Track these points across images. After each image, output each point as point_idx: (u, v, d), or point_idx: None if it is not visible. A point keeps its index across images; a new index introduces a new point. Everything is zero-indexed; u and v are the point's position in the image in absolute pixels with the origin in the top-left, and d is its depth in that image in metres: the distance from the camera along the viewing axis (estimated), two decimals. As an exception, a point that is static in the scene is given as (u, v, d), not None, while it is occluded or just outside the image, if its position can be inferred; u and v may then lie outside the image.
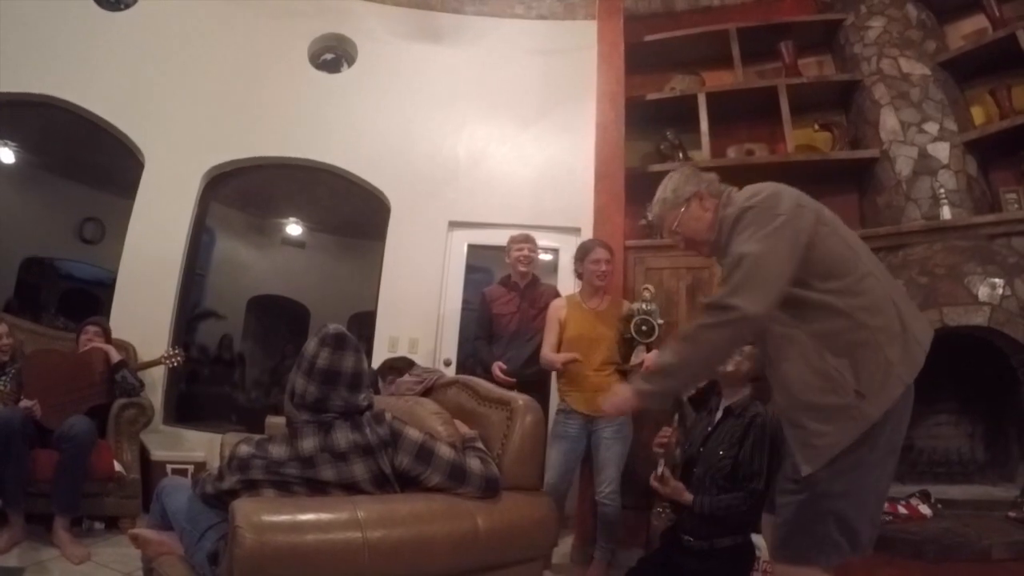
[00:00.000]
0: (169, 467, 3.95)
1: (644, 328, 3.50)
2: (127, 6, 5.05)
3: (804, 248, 1.68)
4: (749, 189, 1.89)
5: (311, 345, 1.89)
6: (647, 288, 3.76)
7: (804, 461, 1.65)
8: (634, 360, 3.49)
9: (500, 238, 4.33)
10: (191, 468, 4.01)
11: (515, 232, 4.19)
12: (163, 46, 4.97)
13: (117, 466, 3.59)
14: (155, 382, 4.46)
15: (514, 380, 3.58)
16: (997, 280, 3.37)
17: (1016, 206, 3.86)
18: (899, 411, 1.66)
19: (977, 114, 4.18)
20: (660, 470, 2.63)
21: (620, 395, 1.90)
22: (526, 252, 4.03)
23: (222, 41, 5.10)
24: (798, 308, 1.70)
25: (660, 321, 3.54)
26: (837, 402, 1.63)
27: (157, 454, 4.05)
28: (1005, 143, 3.92)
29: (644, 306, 3.57)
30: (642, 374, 1.95)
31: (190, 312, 6.04)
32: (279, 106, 5.09)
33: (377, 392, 2.83)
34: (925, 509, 3.29)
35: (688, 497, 2.59)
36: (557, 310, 3.67)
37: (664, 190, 2.04)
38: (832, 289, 1.68)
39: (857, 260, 1.72)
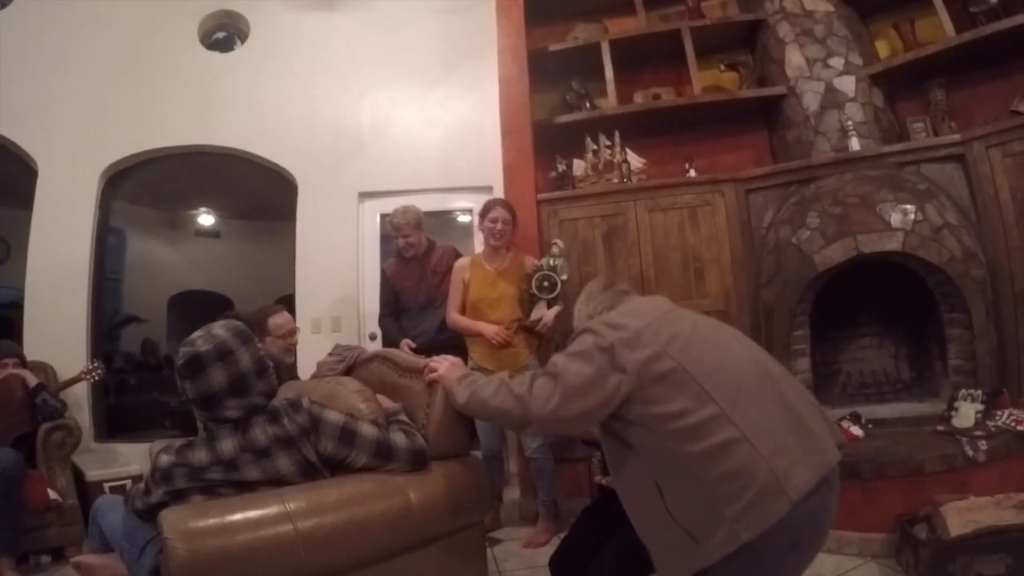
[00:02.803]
0: (106, 485, 3.91)
1: (546, 284, 3.63)
2: (3, 6, 4.88)
3: (620, 385, 1.59)
4: (610, 316, 1.82)
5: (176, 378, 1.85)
6: (556, 243, 3.89)
7: (658, 570, 1.67)
8: (533, 316, 3.65)
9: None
10: (129, 483, 3.99)
11: (395, 209, 4.19)
12: (44, 44, 4.84)
13: (52, 494, 3.56)
14: (80, 400, 4.44)
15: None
16: (908, 206, 3.59)
17: (924, 135, 4.07)
18: (767, 549, 1.47)
19: (882, 48, 4.39)
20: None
21: (447, 378, 2.04)
22: (402, 243, 4.11)
23: (106, 32, 4.97)
24: (638, 444, 1.63)
25: (564, 276, 3.65)
26: (672, 540, 1.56)
27: (92, 474, 4.00)
28: (910, 75, 4.13)
29: (551, 261, 3.67)
30: (454, 385, 1.97)
31: (109, 320, 5.96)
32: (173, 93, 5.00)
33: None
34: (857, 430, 3.48)
35: None
36: (461, 271, 3.81)
37: (576, 310, 2.15)
38: (672, 431, 1.55)
39: (705, 400, 1.55)
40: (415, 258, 4.13)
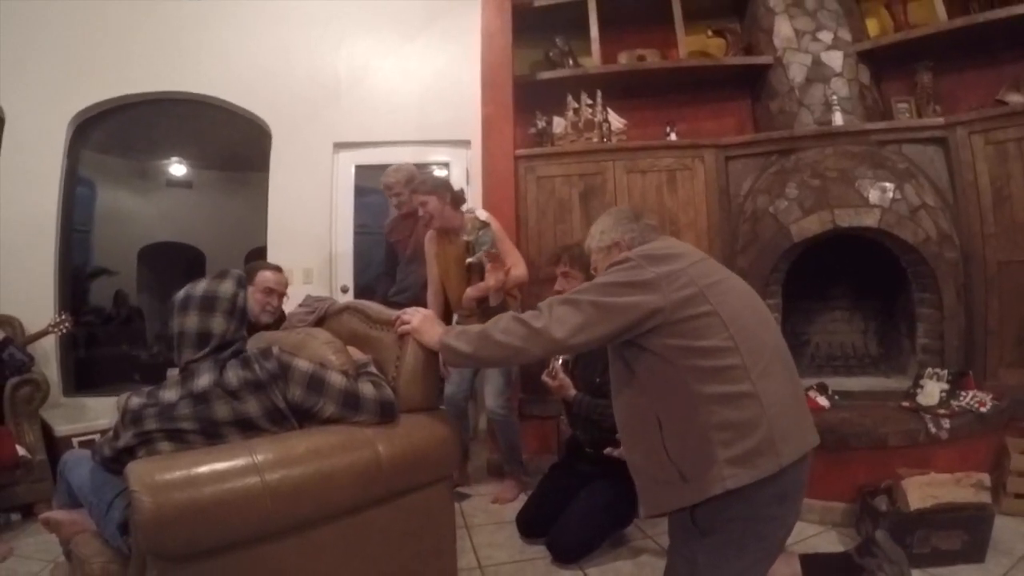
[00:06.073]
0: (75, 440, 3.92)
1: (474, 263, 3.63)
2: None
3: (653, 315, 1.66)
4: (648, 249, 1.87)
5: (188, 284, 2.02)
6: (474, 215, 3.76)
7: (641, 504, 1.79)
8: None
9: (388, 157, 4.43)
10: (98, 437, 3.93)
11: (388, 170, 4.26)
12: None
13: (21, 450, 3.57)
14: (48, 353, 4.48)
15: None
16: (888, 184, 3.66)
17: (907, 115, 4.14)
18: (755, 498, 1.60)
19: (872, 26, 4.42)
20: (552, 365, 2.89)
21: (429, 335, 2.04)
22: (395, 201, 4.20)
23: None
24: (648, 374, 1.72)
25: (484, 249, 3.55)
26: (662, 475, 1.67)
27: (61, 429, 4.01)
28: (899, 55, 4.17)
29: (470, 237, 3.64)
30: (451, 339, 1.94)
31: (80, 272, 5.97)
32: (143, 37, 4.95)
33: None
34: (823, 400, 3.61)
35: (571, 393, 2.89)
36: (429, 245, 3.87)
37: (595, 228, 2.15)
38: (691, 367, 1.64)
39: (731, 350, 1.65)
40: (411, 213, 4.16)
